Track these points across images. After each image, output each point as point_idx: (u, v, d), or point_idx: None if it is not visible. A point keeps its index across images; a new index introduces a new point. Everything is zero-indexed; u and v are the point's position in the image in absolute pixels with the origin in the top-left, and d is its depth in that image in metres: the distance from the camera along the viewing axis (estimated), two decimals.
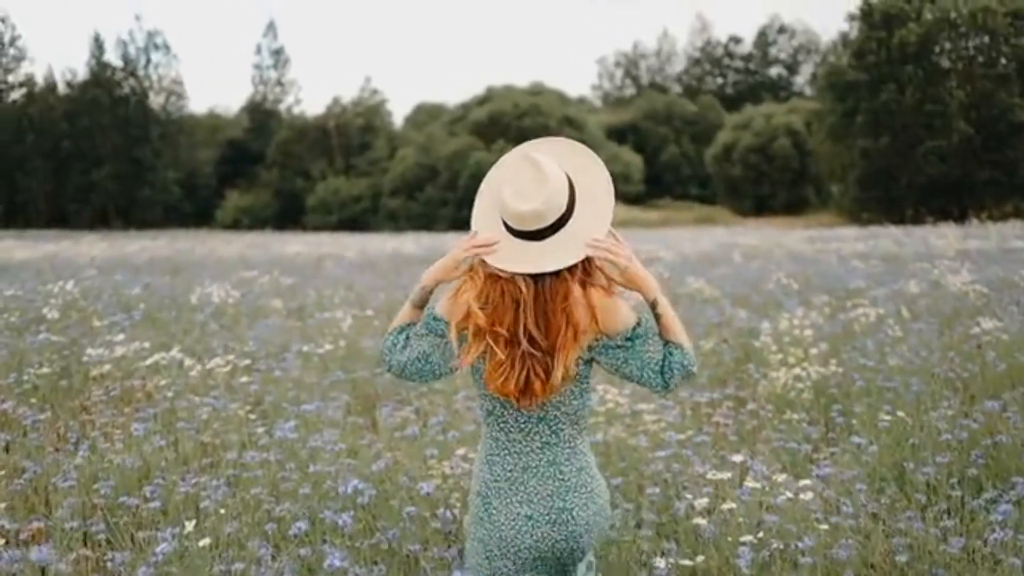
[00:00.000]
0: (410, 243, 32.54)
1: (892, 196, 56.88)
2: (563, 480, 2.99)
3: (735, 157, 74.45)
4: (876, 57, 58.02)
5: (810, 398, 7.86)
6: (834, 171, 62.66)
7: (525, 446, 3.01)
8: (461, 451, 5.79)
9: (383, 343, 3.22)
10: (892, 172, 57.15)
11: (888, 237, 29.81)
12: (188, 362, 7.98)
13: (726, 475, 4.78)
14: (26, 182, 77.17)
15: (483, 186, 3.05)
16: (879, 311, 9.97)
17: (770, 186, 73.73)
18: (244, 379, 7.68)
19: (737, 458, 5.24)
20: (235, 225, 70.81)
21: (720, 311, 11.63)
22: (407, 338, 3.15)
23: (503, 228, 2.94)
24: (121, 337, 8.78)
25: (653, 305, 2.98)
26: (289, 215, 72.26)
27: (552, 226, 2.89)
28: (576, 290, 2.90)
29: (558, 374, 2.87)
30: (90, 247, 28.88)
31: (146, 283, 15.48)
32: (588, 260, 2.94)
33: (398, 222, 63.23)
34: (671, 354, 2.94)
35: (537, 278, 2.90)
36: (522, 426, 3.00)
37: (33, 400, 7.86)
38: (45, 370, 8.13)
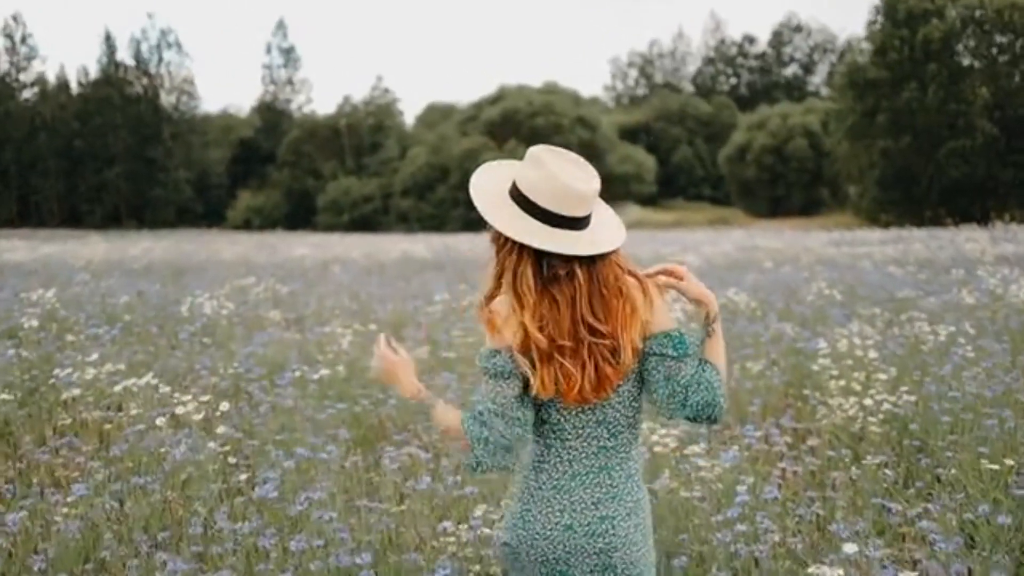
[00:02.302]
0: (420, 245, 31.43)
1: (913, 197, 55.69)
2: (611, 486, 2.89)
3: (750, 158, 74.01)
4: (898, 55, 56.86)
5: (879, 432, 6.79)
6: (852, 172, 61.38)
7: (580, 452, 2.90)
8: (479, 511, 4.74)
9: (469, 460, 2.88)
10: (913, 173, 56.00)
11: (914, 240, 28.66)
12: (164, 389, 6.92)
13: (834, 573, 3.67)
14: (39, 182, 77.38)
15: (486, 198, 2.90)
16: (948, 329, 8.84)
17: (785, 187, 73.25)
18: (226, 408, 6.63)
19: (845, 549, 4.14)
20: (246, 225, 70.35)
21: (762, 325, 10.54)
22: (478, 417, 2.87)
23: (544, 225, 2.81)
24: (95, 356, 7.72)
25: (711, 320, 2.94)
26: (300, 215, 71.75)
27: (588, 216, 2.85)
28: (626, 276, 2.87)
29: (627, 352, 2.81)
30: (92, 249, 27.87)
31: (139, 290, 14.43)
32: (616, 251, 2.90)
33: (409, 223, 62.45)
34: (704, 371, 2.87)
35: (591, 266, 2.82)
36: (579, 431, 2.89)
37: None
38: (3, 396, 7.08)
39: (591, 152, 74.49)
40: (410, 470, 6.02)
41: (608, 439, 2.90)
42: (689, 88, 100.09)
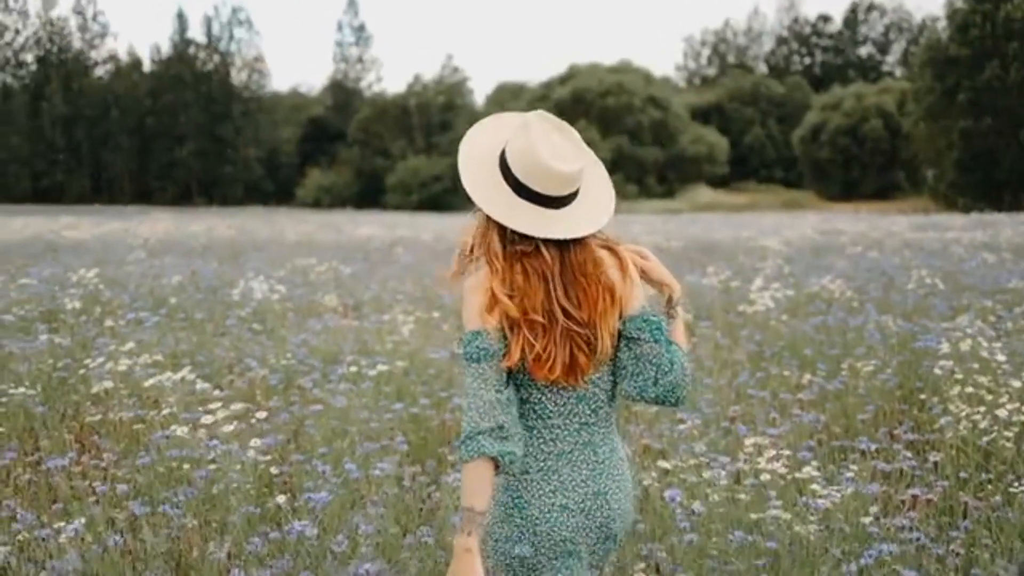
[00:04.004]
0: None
1: (993, 181, 53.96)
2: (597, 463, 2.86)
3: (823, 139, 72.71)
4: (980, 31, 54.97)
5: (1011, 448, 5.85)
6: (930, 154, 59.62)
7: (563, 430, 2.84)
8: None
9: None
10: (994, 155, 54.23)
11: (1001, 225, 27.36)
12: (202, 385, 6.18)
13: None
14: (111, 159, 78.18)
15: (470, 149, 2.89)
16: None
17: (860, 170, 71.91)
18: (274, 404, 5.88)
19: None
20: (316, 204, 70.16)
21: (861, 317, 9.59)
22: (478, 435, 2.70)
23: (515, 196, 2.76)
24: (130, 345, 7.00)
25: (676, 302, 2.96)
26: (369, 194, 71.44)
27: (573, 193, 2.78)
28: (604, 253, 2.81)
29: (604, 343, 2.77)
30: (153, 226, 27.40)
31: (192, 270, 13.74)
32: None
33: None
34: (673, 353, 2.82)
35: (563, 248, 2.76)
36: (561, 409, 2.83)
37: (1, 430, 6.14)
38: (20, 390, 6.37)
39: (662, 132, 73.49)
40: None
41: (590, 415, 2.85)
42: (762, 68, 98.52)
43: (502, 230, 2.77)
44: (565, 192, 2.75)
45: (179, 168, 78.58)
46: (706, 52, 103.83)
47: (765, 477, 4.76)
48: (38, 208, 53.20)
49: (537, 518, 2.80)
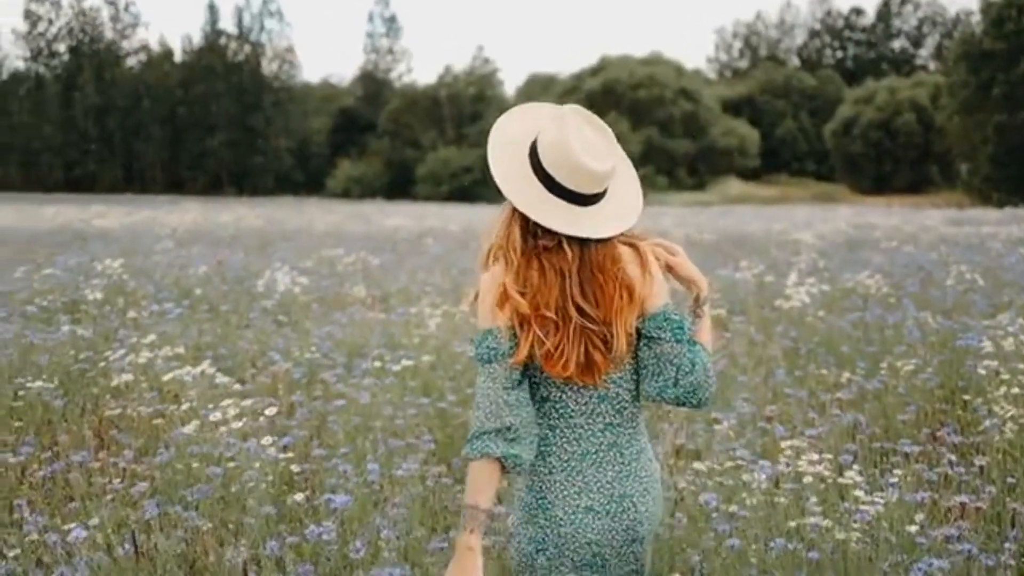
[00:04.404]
0: None
1: None
2: (623, 464, 2.78)
3: (856, 133, 72.33)
4: (1015, 25, 54.35)
5: None
6: (964, 148, 59.01)
7: (586, 430, 2.77)
8: None
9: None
10: None
11: None
12: (223, 379, 6.01)
13: None
14: (143, 149, 78.59)
15: (500, 138, 2.78)
16: None
17: (892, 163, 71.47)
18: (293, 404, 5.71)
19: None
20: (346, 194, 70.07)
21: (899, 314, 9.33)
22: (484, 435, 2.65)
23: (544, 190, 2.69)
24: (151, 338, 6.84)
25: (703, 302, 2.86)
26: (399, 185, 71.37)
27: (602, 192, 2.72)
28: (625, 250, 2.73)
29: (620, 342, 2.67)
30: (182, 216, 27.33)
31: (219, 260, 13.60)
32: None
33: None
34: (696, 353, 2.73)
35: (584, 244, 2.68)
36: (583, 408, 2.76)
37: (19, 423, 6.00)
38: (38, 383, 6.22)
39: (693, 124, 73.12)
40: (504, 491, 5.05)
41: (614, 415, 2.79)
42: (794, 61, 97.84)
43: (525, 223, 2.71)
44: (594, 190, 2.70)
45: (210, 158, 78.84)
46: (737, 44, 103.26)
47: (807, 480, 4.55)
48: (70, 197, 53.34)
49: (561, 519, 2.76)
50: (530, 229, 2.69)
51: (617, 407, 2.79)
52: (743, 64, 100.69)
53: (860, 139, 71.84)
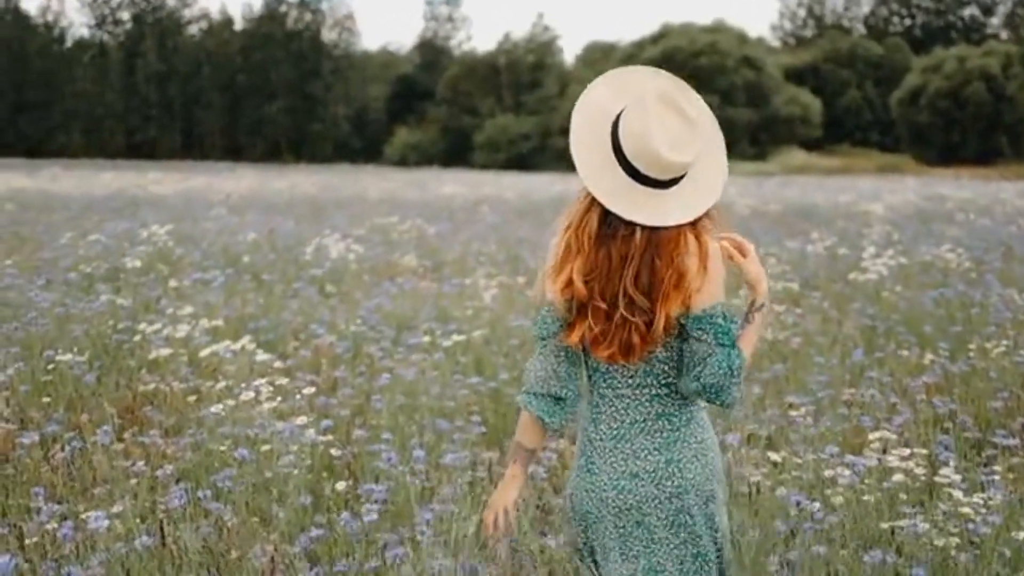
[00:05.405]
0: (577, 185, 29.73)
1: None
2: (672, 431, 2.82)
3: (923, 102, 70.67)
4: None
5: None
6: None
7: (633, 400, 2.83)
8: None
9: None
10: None
11: None
12: (262, 357, 5.63)
13: None
14: (202, 115, 78.95)
15: (582, 119, 2.80)
16: None
17: (960, 134, 69.72)
18: (335, 380, 5.31)
19: None
20: (403, 162, 69.82)
21: (982, 291, 8.76)
22: (532, 390, 2.90)
23: (621, 172, 2.70)
24: (188, 310, 6.48)
25: (757, 307, 2.83)
26: (457, 153, 70.97)
27: (678, 177, 2.70)
28: (690, 239, 2.71)
29: (659, 326, 2.70)
30: (237, 182, 27.10)
31: (270, 228, 13.25)
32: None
33: (566, 162, 60.47)
34: (729, 355, 2.71)
35: (654, 228, 2.69)
36: (629, 381, 2.82)
37: (46, 399, 5.66)
38: (67, 357, 5.87)
39: (756, 93, 72.01)
40: (558, 475, 4.63)
41: (660, 388, 2.83)
42: (860, 29, 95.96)
43: (604, 211, 2.71)
44: (676, 175, 2.70)
45: (269, 125, 78.94)
46: (802, 12, 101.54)
47: (898, 478, 4.07)
48: (130, 164, 53.52)
49: (604, 484, 2.82)
50: (608, 219, 2.71)
51: (663, 381, 2.82)
52: (807, 32, 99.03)
53: (927, 109, 70.33)
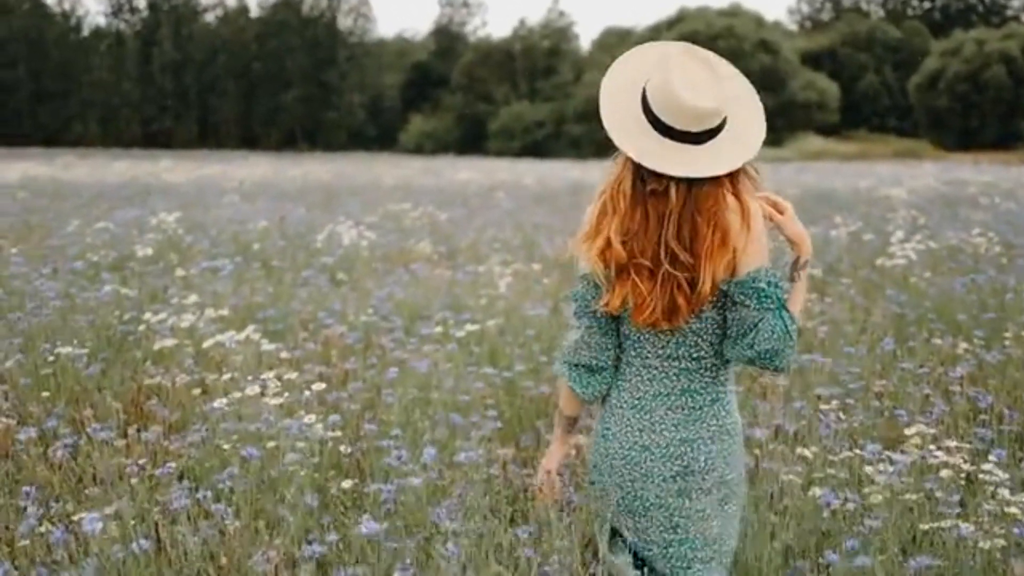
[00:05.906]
0: (594, 172, 29.48)
1: None
2: (693, 408, 2.80)
3: (941, 86, 70.24)
4: None
5: None
6: None
7: (660, 372, 2.81)
8: None
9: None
10: None
11: None
12: (268, 347, 5.42)
13: None
14: (218, 104, 79.01)
15: (612, 85, 2.79)
16: None
17: (979, 118, 69.22)
18: (345, 372, 5.09)
19: None
20: (418, 149, 69.68)
21: (1014, 276, 8.50)
22: (568, 359, 2.93)
23: (651, 130, 2.68)
24: (193, 299, 6.27)
25: (801, 266, 2.80)
26: (472, 140, 70.79)
27: (712, 129, 2.67)
28: (729, 198, 2.69)
29: (706, 285, 2.66)
30: (251, 170, 26.93)
31: (282, 215, 13.05)
32: (737, 170, 2.72)
33: (581, 149, 60.42)
34: (780, 318, 2.66)
35: (691, 184, 2.66)
36: (660, 351, 2.80)
37: (45, 393, 5.45)
38: (68, 349, 5.67)
39: (772, 78, 71.54)
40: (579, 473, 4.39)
41: (690, 361, 2.80)
42: (878, 12, 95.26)
43: (637, 170, 2.69)
44: (705, 127, 2.66)
45: (284, 113, 78.87)
46: None
47: (945, 474, 3.82)
48: (145, 153, 53.45)
49: (615, 453, 2.82)
50: (641, 175, 2.68)
51: (695, 355, 2.79)
52: (825, 16, 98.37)
53: (946, 93, 69.84)
